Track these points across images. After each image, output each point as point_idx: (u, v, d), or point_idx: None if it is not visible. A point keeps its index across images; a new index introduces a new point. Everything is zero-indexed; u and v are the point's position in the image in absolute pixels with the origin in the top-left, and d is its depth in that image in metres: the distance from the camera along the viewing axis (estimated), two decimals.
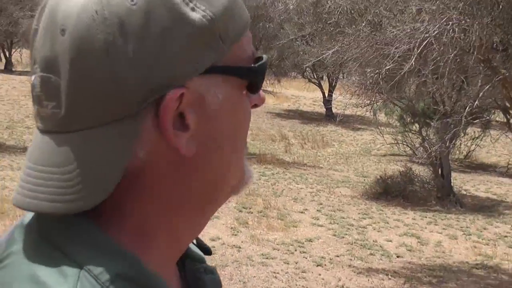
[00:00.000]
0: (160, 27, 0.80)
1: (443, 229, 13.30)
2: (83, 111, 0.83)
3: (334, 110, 30.06)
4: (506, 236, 13.13)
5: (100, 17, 0.80)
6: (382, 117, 21.05)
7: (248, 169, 1.00)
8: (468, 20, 8.05)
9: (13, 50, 41.27)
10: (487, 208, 15.85)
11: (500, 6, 8.08)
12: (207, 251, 1.13)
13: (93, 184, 0.84)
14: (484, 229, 13.67)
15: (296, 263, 9.98)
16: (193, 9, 0.82)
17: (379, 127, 22.41)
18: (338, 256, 10.66)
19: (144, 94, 0.81)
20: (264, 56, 0.94)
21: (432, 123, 15.69)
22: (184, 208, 0.92)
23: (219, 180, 0.94)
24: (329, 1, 11.63)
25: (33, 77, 0.86)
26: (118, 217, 0.88)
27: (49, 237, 0.86)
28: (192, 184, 0.90)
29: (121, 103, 0.82)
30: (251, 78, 0.92)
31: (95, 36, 0.80)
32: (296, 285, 9.13)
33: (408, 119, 17.65)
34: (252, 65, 0.91)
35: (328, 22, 10.62)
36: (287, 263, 10.01)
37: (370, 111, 17.48)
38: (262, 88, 1.06)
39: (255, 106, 0.99)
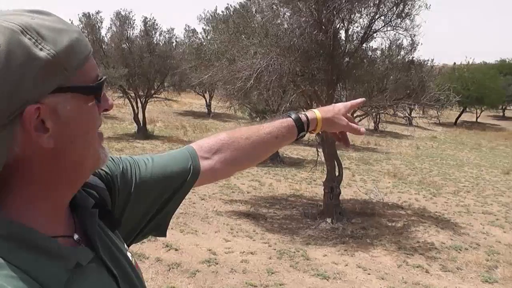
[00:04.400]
0: (18, 63, 0.73)
1: (273, 176, 13.50)
2: None
3: (212, 110, 30.18)
4: (306, 178, 13.45)
5: None
6: (239, 113, 21.12)
7: (104, 152, 0.91)
8: (282, 58, 8.19)
9: None
10: (297, 163, 16.10)
11: (299, 52, 8.27)
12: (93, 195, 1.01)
13: None
14: (295, 175, 13.95)
15: (190, 198, 9.90)
16: (41, 49, 0.75)
17: (238, 119, 22.60)
18: (214, 194, 10.68)
19: (9, 110, 0.74)
20: (104, 77, 0.87)
21: (266, 117, 15.84)
22: (56, 183, 0.85)
23: (77, 163, 0.85)
24: (205, 47, 11.61)
25: None
26: (6, 195, 0.81)
27: None
28: (58, 167, 0.83)
29: None
30: (92, 92, 0.83)
31: None
32: (189, 210, 9.14)
33: (254, 114, 17.75)
34: (91, 84, 0.83)
35: (205, 59, 10.56)
36: (185, 199, 9.93)
37: (231, 110, 17.59)
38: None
39: (106, 110, 0.90)
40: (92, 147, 0.87)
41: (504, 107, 46.58)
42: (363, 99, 1.62)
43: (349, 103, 1.49)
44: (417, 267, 7.10)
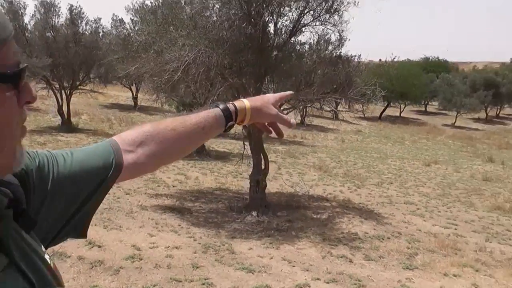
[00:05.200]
0: None
1: (199, 169, 13.49)
2: None
3: (138, 103, 29.71)
4: (232, 172, 13.54)
5: None
6: (166, 106, 20.92)
7: (20, 152, 0.82)
8: (210, 50, 8.17)
9: None
10: (223, 157, 16.16)
11: (228, 44, 8.26)
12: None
13: None
14: (221, 168, 14.03)
15: (114, 193, 9.67)
16: None
17: (164, 113, 22.40)
18: (139, 188, 10.54)
19: None
20: (25, 65, 0.76)
21: (194, 110, 15.71)
22: None
23: None
24: (132, 38, 11.42)
25: None
26: None
27: None
28: None
29: None
30: (9, 81, 0.73)
31: None
32: (113, 205, 8.95)
33: (181, 107, 17.61)
34: (8, 71, 0.73)
35: (132, 50, 10.36)
36: (109, 194, 9.74)
37: (158, 103, 17.38)
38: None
39: (28, 102, 0.79)
40: (8, 145, 0.77)
41: (426, 102, 48.44)
42: (291, 92, 1.60)
43: (278, 94, 1.43)
44: (341, 257, 7.26)
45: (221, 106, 1.31)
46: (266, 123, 1.44)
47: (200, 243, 7.39)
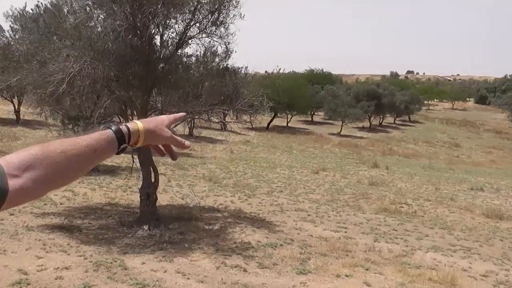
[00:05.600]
0: None
1: (87, 184, 13.00)
2: None
3: (21, 117, 28.28)
4: (121, 186, 13.28)
5: None
6: (50, 120, 20.10)
7: None
8: (96, 62, 8.02)
9: None
10: (112, 171, 15.71)
11: (114, 56, 8.17)
12: None
13: None
14: (110, 183, 13.69)
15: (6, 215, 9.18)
16: None
17: (49, 127, 21.49)
18: (24, 208, 9.88)
19: None
20: None
21: (79, 124, 15.34)
22: None
23: None
24: (13, 47, 10.95)
25: None
26: None
27: None
28: None
29: None
30: None
31: None
32: None
33: (66, 121, 17.01)
34: None
35: (13, 60, 9.91)
36: (12, 214, 9.29)
37: (42, 117, 16.72)
38: None
39: None
40: None
41: (312, 112, 50.21)
42: (185, 113, 1.64)
43: (172, 116, 1.43)
44: (235, 267, 7.37)
45: (114, 128, 1.29)
46: (160, 145, 1.45)
47: (91, 261, 7.18)
